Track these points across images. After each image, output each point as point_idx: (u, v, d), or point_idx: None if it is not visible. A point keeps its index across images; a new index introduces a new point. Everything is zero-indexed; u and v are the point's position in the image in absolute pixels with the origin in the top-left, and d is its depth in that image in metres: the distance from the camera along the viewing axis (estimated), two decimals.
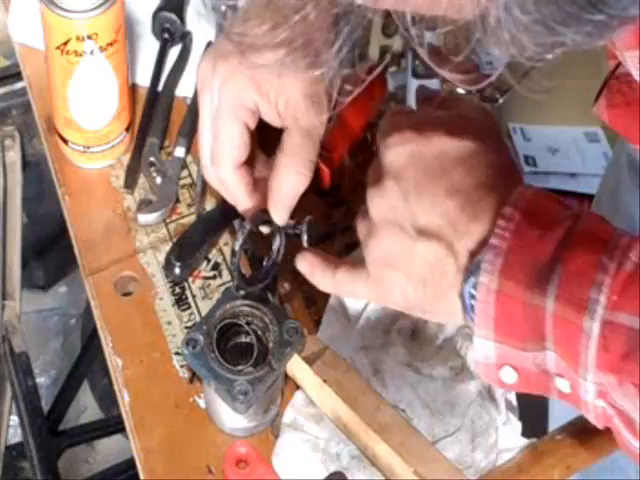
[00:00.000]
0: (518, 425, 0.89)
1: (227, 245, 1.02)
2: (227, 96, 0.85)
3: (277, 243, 0.89)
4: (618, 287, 0.65)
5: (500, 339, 0.71)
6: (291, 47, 0.79)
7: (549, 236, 0.69)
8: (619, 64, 0.86)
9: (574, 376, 0.68)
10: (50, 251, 2.02)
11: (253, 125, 0.86)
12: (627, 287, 0.65)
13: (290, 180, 0.87)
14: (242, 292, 0.89)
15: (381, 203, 0.76)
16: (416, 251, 0.73)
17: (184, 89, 1.12)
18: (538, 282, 0.68)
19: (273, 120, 0.87)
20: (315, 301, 0.98)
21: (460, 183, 0.73)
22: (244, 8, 0.82)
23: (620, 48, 0.80)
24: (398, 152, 0.76)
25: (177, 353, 0.94)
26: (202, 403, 0.92)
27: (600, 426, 0.70)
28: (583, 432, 0.87)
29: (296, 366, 0.89)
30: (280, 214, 0.88)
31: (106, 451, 1.90)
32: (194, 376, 0.92)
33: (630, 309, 0.64)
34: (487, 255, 0.70)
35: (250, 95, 0.84)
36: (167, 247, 1.01)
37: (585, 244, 0.68)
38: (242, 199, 0.89)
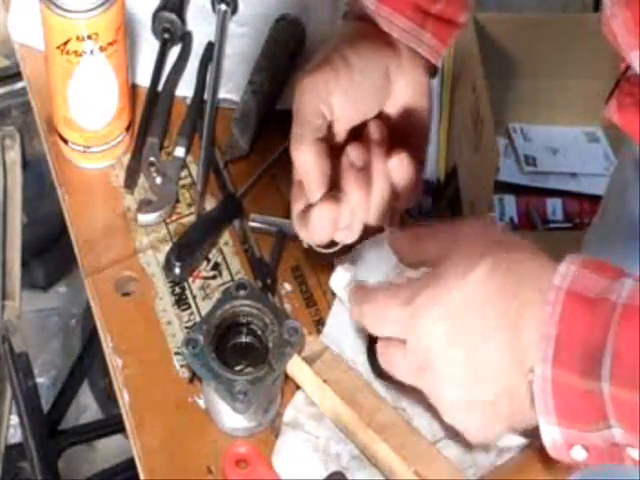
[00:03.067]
0: None
1: (227, 245, 1.02)
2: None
3: None
4: None
5: (564, 424, 0.73)
6: None
7: (596, 317, 0.71)
8: (629, 66, 0.86)
9: None
10: (50, 251, 2.02)
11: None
12: None
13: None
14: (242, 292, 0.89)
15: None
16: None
17: (184, 89, 1.12)
18: (591, 368, 0.70)
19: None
20: (315, 301, 0.98)
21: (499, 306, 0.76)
22: None
23: (625, 49, 0.80)
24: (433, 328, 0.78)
25: (177, 353, 0.94)
26: (202, 403, 0.92)
27: None
28: None
29: (296, 366, 0.89)
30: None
31: (106, 451, 1.90)
32: (194, 376, 0.92)
33: None
34: (540, 344, 0.72)
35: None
36: (167, 247, 1.00)
37: (631, 318, 0.70)
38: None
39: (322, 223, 0.85)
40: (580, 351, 0.71)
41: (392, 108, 0.91)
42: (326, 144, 0.85)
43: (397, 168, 0.87)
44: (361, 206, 0.86)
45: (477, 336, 0.76)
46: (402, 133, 0.91)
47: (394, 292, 0.81)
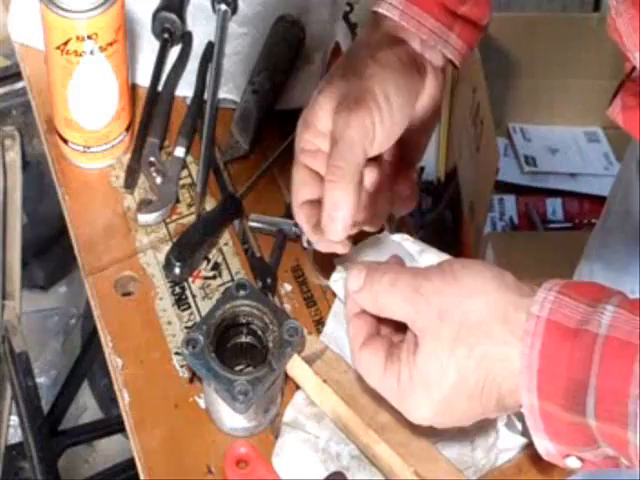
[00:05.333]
0: (518, 425, 0.89)
1: (227, 245, 1.02)
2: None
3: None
4: None
5: (555, 442, 0.74)
6: None
7: (577, 351, 0.70)
8: (634, 67, 0.85)
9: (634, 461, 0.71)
10: (50, 251, 2.02)
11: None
12: None
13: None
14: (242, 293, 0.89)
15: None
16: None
17: (184, 89, 1.12)
18: (575, 404, 0.70)
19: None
20: (315, 301, 0.98)
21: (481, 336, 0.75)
22: None
23: (631, 48, 0.80)
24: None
25: (177, 353, 0.94)
26: (202, 403, 0.92)
27: None
28: None
29: (296, 366, 0.89)
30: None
31: (106, 451, 1.90)
32: (194, 376, 0.92)
33: None
34: (522, 376, 0.72)
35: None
36: (167, 247, 1.01)
37: (613, 353, 0.69)
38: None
39: (333, 249, 0.88)
40: (563, 387, 0.71)
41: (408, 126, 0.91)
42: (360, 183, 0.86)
43: (404, 189, 0.92)
44: (366, 220, 0.90)
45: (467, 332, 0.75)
46: (408, 142, 0.92)
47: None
